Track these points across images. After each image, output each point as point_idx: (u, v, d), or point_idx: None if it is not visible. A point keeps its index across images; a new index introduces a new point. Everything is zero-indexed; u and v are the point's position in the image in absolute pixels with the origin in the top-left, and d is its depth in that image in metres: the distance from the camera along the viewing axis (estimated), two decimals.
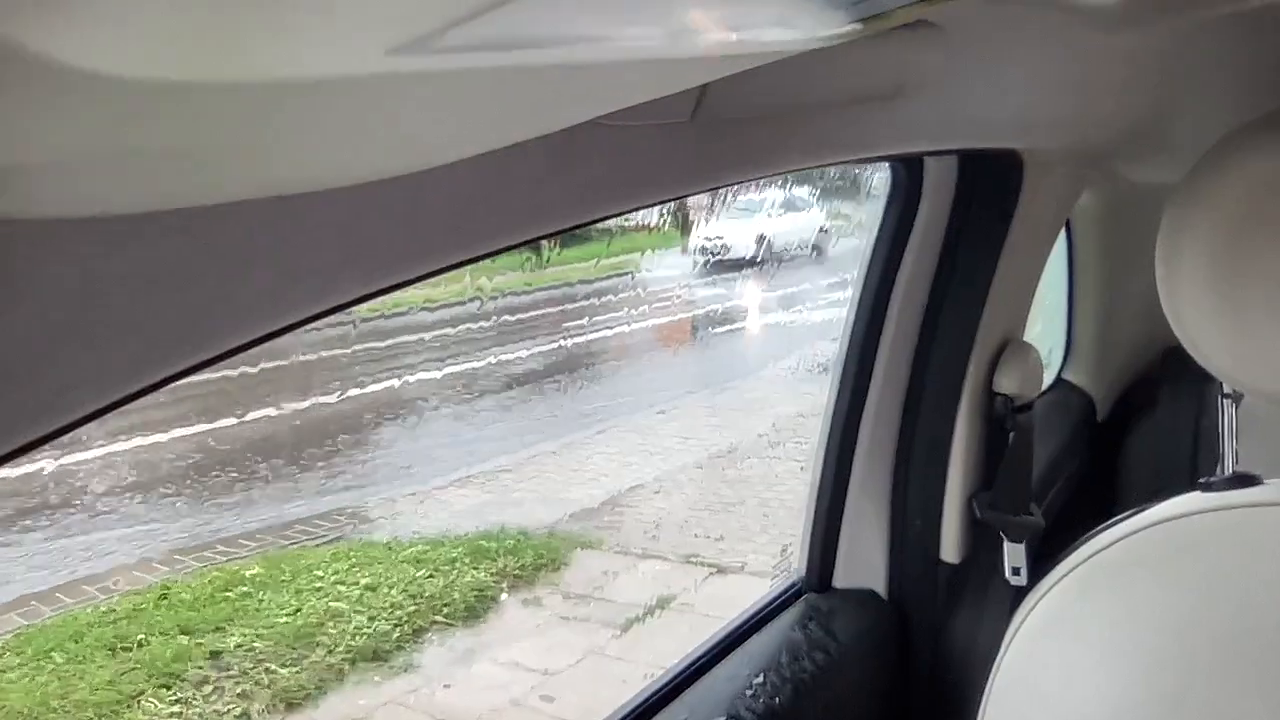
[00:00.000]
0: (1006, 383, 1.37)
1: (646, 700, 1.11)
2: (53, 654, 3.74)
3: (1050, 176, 1.24)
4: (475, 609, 4.19)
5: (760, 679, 1.11)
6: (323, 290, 0.59)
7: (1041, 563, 1.16)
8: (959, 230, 1.25)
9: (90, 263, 0.47)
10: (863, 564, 1.38)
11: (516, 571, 4.55)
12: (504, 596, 4.33)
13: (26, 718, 3.35)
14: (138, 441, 7.37)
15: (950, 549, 1.35)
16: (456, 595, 4.26)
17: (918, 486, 1.35)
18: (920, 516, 1.35)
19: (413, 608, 4.15)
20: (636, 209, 0.76)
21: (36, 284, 0.46)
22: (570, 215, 0.67)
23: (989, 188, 1.24)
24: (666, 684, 1.15)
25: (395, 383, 8.55)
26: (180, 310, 0.53)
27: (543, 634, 4.08)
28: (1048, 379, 1.75)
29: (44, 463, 6.57)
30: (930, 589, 1.38)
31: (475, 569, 4.53)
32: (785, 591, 1.36)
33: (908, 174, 1.23)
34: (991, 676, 0.89)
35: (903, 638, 1.36)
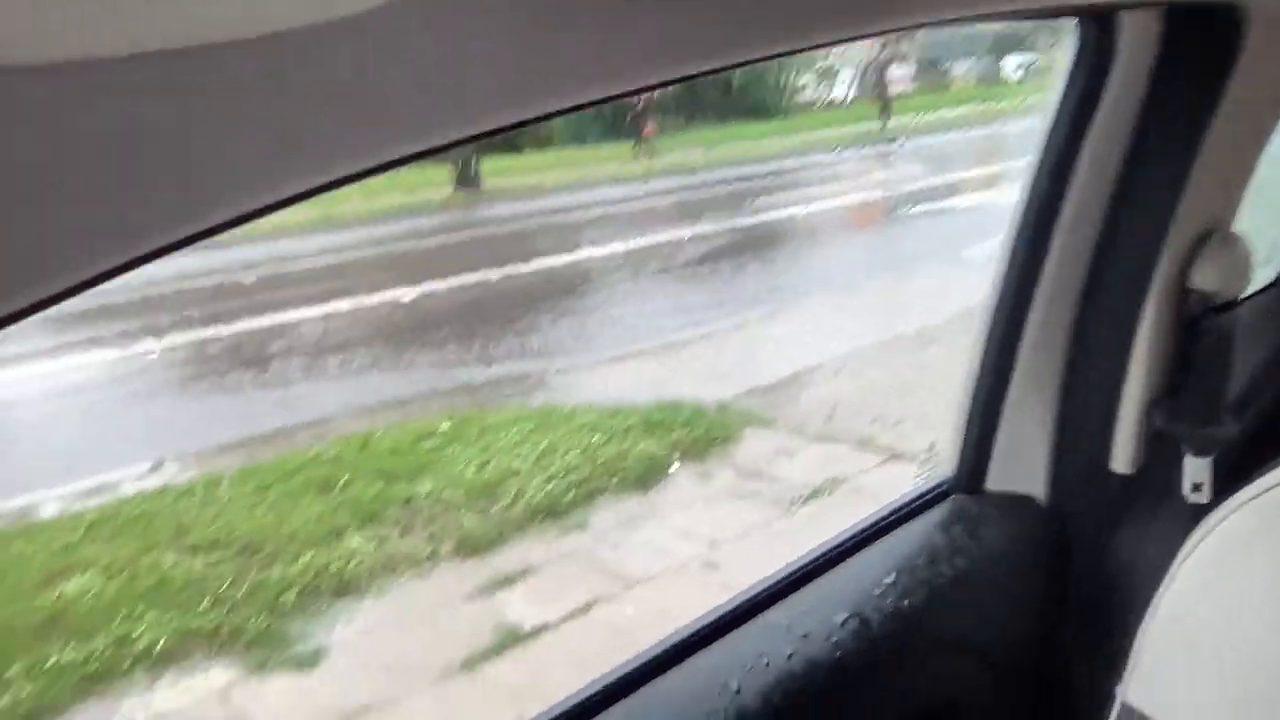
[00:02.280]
0: (1205, 278, 1.20)
1: (771, 586, 1.09)
2: (271, 489, 4.18)
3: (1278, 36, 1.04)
4: (646, 477, 4.32)
5: (892, 579, 1.07)
6: (325, 160, 0.54)
7: (1228, 483, 1.05)
8: (1158, 101, 1.08)
9: (64, 118, 0.42)
10: (1020, 467, 1.28)
11: (689, 444, 4.63)
12: (675, 467, 4.44)
13: (251, 544, 3.78)
14: (355, 302, 7.95)
15: (1122, 458, 1.23)
16: (629, 463, 4.40)
17: (1090, 387, 1.22)
18: (1090, 420, 1.23)
19: (587, 471, 4.33)
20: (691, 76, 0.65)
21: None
22: (614, 84, 0.60)
23: (1198, 51, 1.06)
24: (794, 572, 1.12)
25: (582, 255, 8.73)
26: (166, 177, 0.48)
27: (711, 506, 4.16)
28: (1262, 279, 1.53)
29: (267, 318, 7.21)
30: (1096, 500, 1.26)
31: (649, 439, 4.65)
32: (930, 490, 1.29)
33: (1099, 33, 1.06)
34: (1155, 602, 0.82)
35: (1059, 551, 1.26)
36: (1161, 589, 0.82)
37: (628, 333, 6.61)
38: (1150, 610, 0.82)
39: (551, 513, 4.05)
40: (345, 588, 3.51)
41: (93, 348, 7.38)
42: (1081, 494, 1.27)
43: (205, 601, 3.41)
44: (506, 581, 3.59)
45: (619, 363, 5.88)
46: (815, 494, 4.36)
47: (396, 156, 0.55)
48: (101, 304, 8.90)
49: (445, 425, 4.85)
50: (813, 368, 5.52)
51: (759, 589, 1.09)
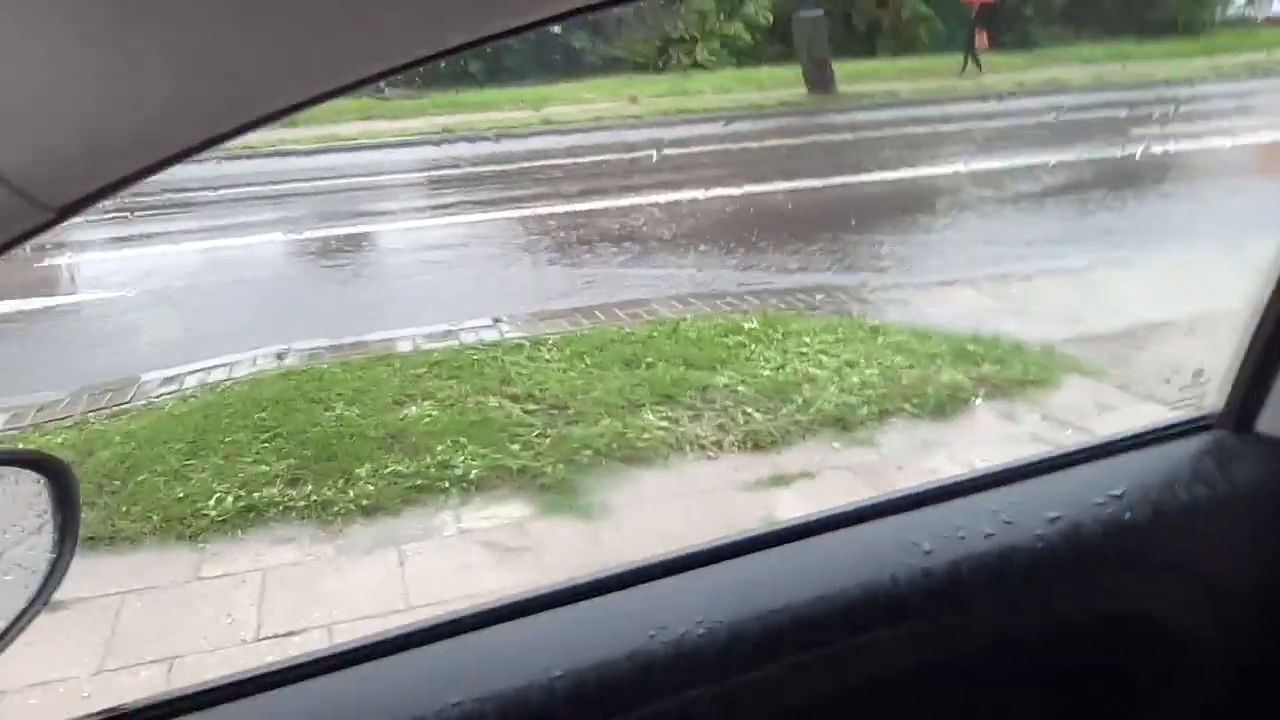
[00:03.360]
0: None
1: (991, 472, 1.05)
2: (585, 357, 4.54)
3: None
4: (945, 407, 4.16)
5: (1119, 493, 0.99)
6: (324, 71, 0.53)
7: None
8: None
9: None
10: None
11: (999, 382, 4.38)
12: (977, 402, 4.23)
13: (560, 401, 4.15)
14: (687, 194, 8.22)
15: None
16: (930, 390, 4.26)
17: None
18: None
19: (884, 390, 4.25)
20: None
21: None
22: None
23: None
24: (1017, 466, 1.07)
25: (923, 172, 8.33)
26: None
27: (1009, 446, 3.94)
28: None
29: (597, 203, 7.64)
30: None
31: (955, 369, 4.46)
32: (1190, 421, 1.16)
33: None
34: None
35: None
36: None
37: (958, 259, 6.30)
38: None
39: (841, 424, 4.04)
40: (634, 456, 3.77)
41: (468, 211, 8.29)
42: None
43: (516, 444, 3.81)
44: (783, 480, 3.67)
45: (942, 288, 5.64)
46: None
47: (384, 69, 0.57)
48: (474, 173, 9.91)
49: (752, 324, 4.95)
50: (1160, 323, 4.96)
51: (980, 473, 1.06)
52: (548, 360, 4.53)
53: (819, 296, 5.52)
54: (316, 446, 3.71)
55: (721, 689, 0.80)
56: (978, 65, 12.54)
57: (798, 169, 8.96)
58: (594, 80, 14.62)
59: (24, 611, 0.77)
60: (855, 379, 4.37)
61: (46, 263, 7.12)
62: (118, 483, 3.50)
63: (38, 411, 4.12)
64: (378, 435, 3.81)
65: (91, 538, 3.24)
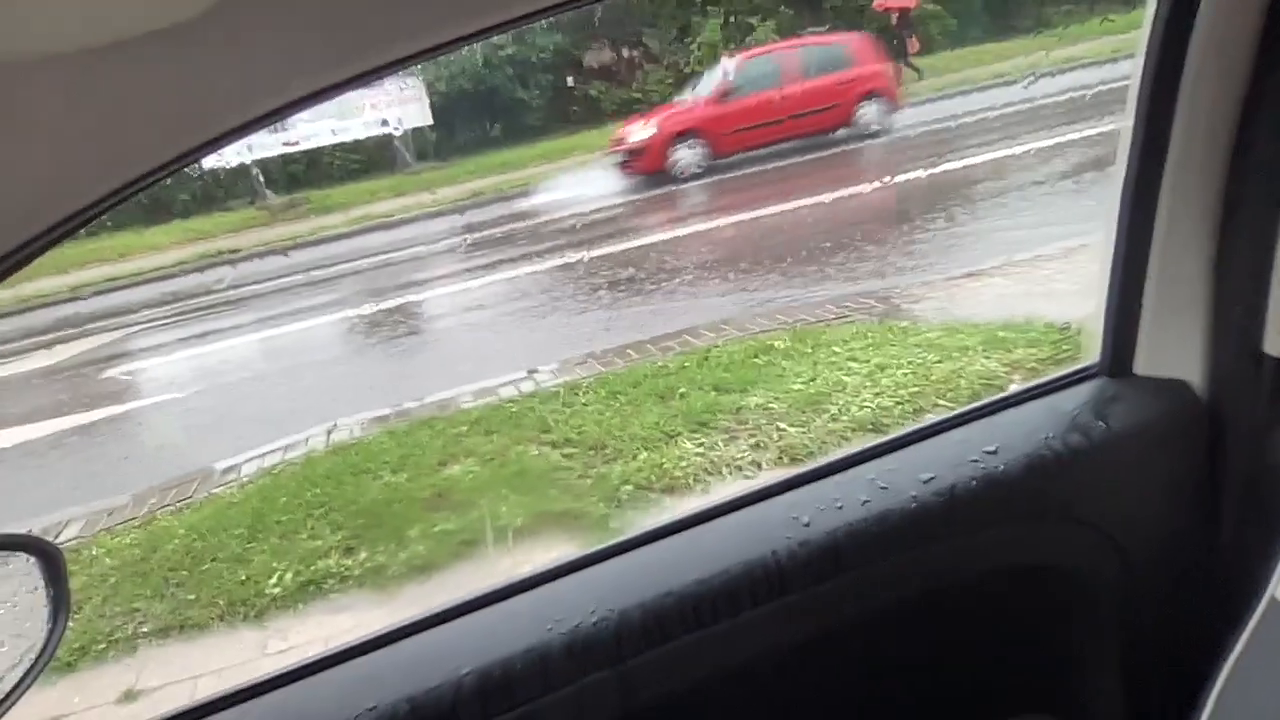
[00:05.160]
0: None
1: (871, 447, 1.08)
2: (618, 395, 4.62)
3: None
4: (978, 396, 4.13)
5: (993, 449, 1.01)
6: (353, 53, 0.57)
7: None
8: None
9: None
10: (1171, 352, 1.11)
11: (1033, 365, 4.35)
12: (1013, 386, 4.20)
13: (598, 442, 4.23)
14: (716, 222, 8.30)
15: (1277, 342, 1.02)
16: (962, 382, 4.25)
17: (1241, 265, 1.02)
18: (1244, 301, 1.04)
19: (916, 388, 4.25)
20: None
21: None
22: None
23: None
24: (897, 437, 1.10)
25: (951, 165, 8.29)
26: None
27: None
28: None
29: (629, 242, 7.74)
30: (1251, 387, 1.07)
31: (987, 358, 4.44)
32: (1072, 373, 1.18)
33: None
34: None
35: (1213, 440, 1.09)
36: None
37: (985, 247, 6.26)
38: None
39: (875, 427, 4.05)
40: (673, 485, 3.82)
41: (494, 271, 8.48)
42: (1237, 381, 1.09)
43: (556, 489, 3.90)
44: None
45: (971, 279, 5.61)
46: None
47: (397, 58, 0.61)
48: (506, 232, 10.12)
49: (780, 341, 5.00)
50: None
51: (858, 449, 1.10)
52: (584, 403, 4.63)
53: (850, 306, 5.53)
54: (367, 515, 3.84)
55: (614, 674, 0.86)
56: (916, 70, 12.63)
57: (811, 185, 9.00)
58: (616, 125, 14.87)
59: (21, 680, 0.87)
60: (887, 381, 4.37)
61: (109, 374, 7.47)
62: (184, 573, 3.66)
63: (107, 516, 4.32)
64: (424, 497, 3.93)
65: (164, 628, 3.40)
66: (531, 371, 5.25)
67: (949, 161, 8.47)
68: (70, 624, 2.89)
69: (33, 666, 0.87)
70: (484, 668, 0.83)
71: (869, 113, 11.23)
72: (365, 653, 0.88)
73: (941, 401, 4.14)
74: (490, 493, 3.88)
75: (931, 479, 1.01)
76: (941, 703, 1.02)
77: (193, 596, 3.53)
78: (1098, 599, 1.06)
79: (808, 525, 0.96)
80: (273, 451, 4.76)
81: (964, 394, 4.15)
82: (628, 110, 15.05)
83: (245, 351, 7.68)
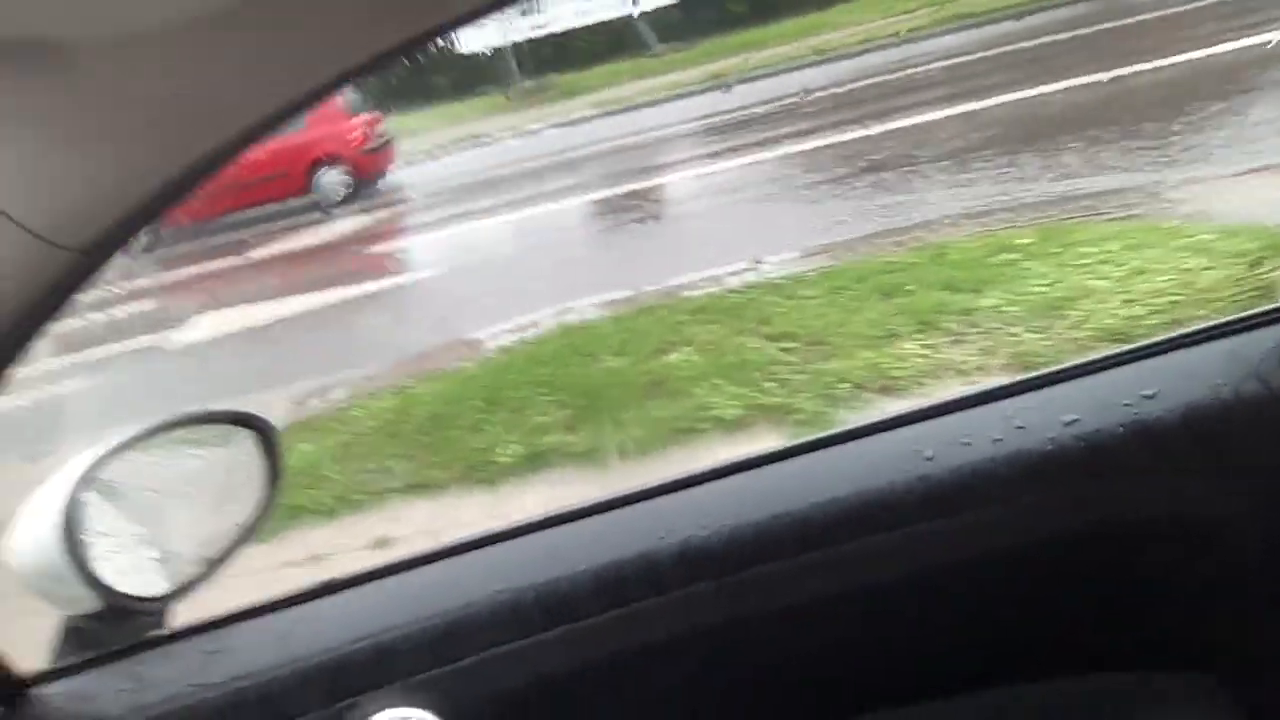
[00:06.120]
0: None
1: (1008, 383, 0.98)
2: (842, 290, 4.51)
3: None
4: (1249, 307, 3.69)
5: (1152, 393, 0.88)
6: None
7: None
8: None
9: None
10: None
11: None
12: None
13: (817, 338, 4.17)
14: (962, 107, 7.78)
15: None
16: (1234, 291, 3.79)
17: None
18: None
19: (1176, 297, 3.84)
20: None
21: None
22: None
23: None
24: (1043, 373, 0.99)
25: (1222, 49, 7.21)
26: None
27: None
28: None
29: (862, 130, 7.43)
30: None
31: (1268, 266, 3.93)
32: (1262, 314, 0.99)
33: None
34: None
35: None
36: None
37: (1267, 144, 5.46)
38: None
39: (1123, 337, 3.72)
40: (890, 386, 3.73)
41: (737, 154, 8.41)
42: None
43: (772, 382, 3.91)
44: None
45: (1255, 175, 4.93)
46: None
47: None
48: (745, 116, 9.97)
49: (1025, 239, 4.65)
50: None
51: (994, 385, 1.02)
52: (806, 297, 4.56)
53: (1111, 201, 5.04)
54: (588, 396, 4.04)
55: (720, 585, 0.87)
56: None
57: (1078, 64, 8.13)
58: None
59: (236, 540, 1.01)
60: (1143, 287, 3.98)
61: (365, 250, 8.18)
62: (427, 437, 4.04)
63: (367, 380, 4.82)
64: (642, 383, 4.07)
65: (410, 485, 3.78)
66: (757, 261, 5.22)
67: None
68: (333, 474, 3.27)
69: (246, 531, 1.01)
70: (598, 568, 0.88)
71: (330, 180, 10.38)
72: (496, 542, 0.95)
73: (1205, 312, 3.73)
74: (705, 382, 3.95)
75: (1074, 421, 0.92)
76: (1081, 660, 0.96)
77: (434, 459, 3.89)
78: (1260, 555, 0.94)
79: (930, 459, 0.91)
80: (510, 330, 5.07)
81: (1233, 305, 3.71)
82: None
83: (491, 233, 8.14)
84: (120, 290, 7.53)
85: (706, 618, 0.88)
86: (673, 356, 4.22)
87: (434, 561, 0.95)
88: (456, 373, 4.68)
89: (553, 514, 0.96)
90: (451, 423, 4.13)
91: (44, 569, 0.85)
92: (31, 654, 0.88)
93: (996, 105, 7.76)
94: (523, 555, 0.93)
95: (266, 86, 0.59)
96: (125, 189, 0.61)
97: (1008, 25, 11.00)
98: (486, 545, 0.94)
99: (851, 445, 0.98)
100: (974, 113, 7.68)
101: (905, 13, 12.85)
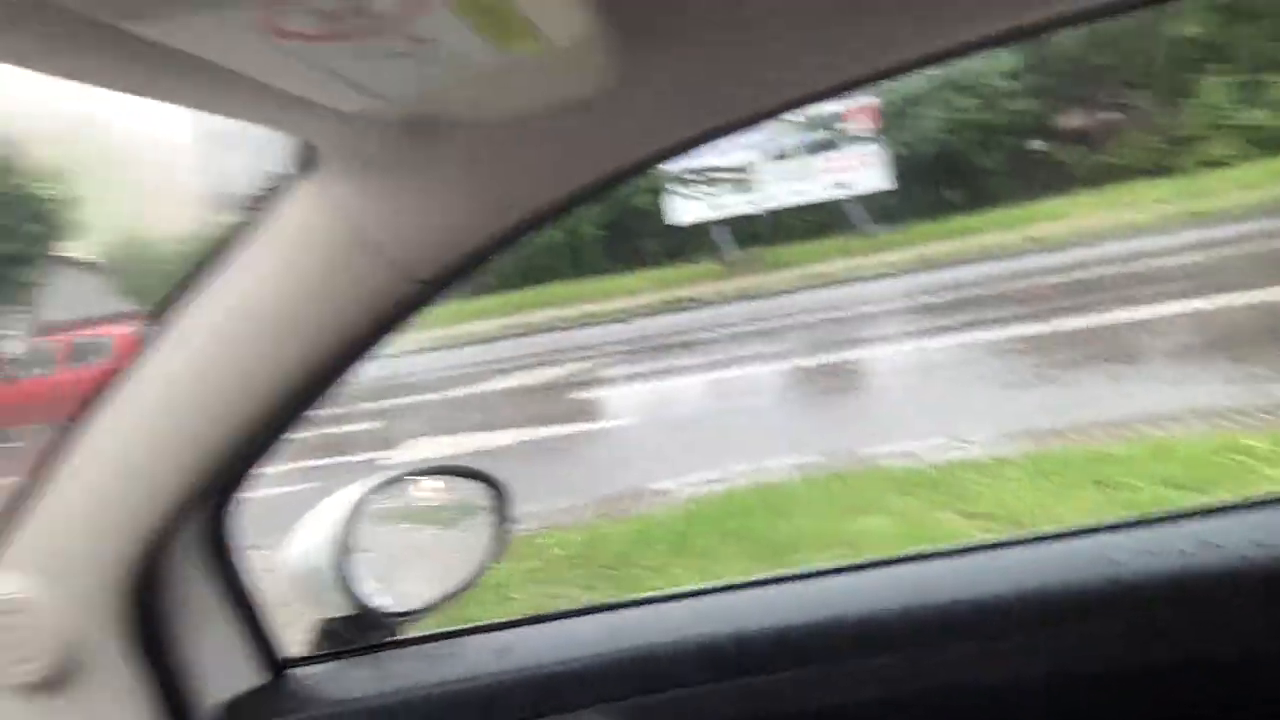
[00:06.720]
0: None
1: (1222, 505, 0.94)
2: (1050, 475, 4.32)
3: None
4: None
5: None
6: None
7: None
8: None
9: None
10: None
11: None
12: None
13: (1018, 520, 3.99)
14: (1191, 305, 7.47)
15: None
16: None
17: None
18: None
19: None
20: None
21: None
22: None
23: None
24: (1255, 499, 0.94)
25: None
26: None
27: None
28: None
29: (1078, 320, 7.19)
30: None
31: None
32: None
33: None
34: None
35: None
36: None
37: None
38: None
39: None
40: None
41: (940, 335, 8.36)
42: None
43: None
44: None
45: None
46: None
47: None
48: (952, 299, 9.95)
49: (1258, 442, 4.33)
50: None
51: (1190, 506, 0.99)
52: (1009, 479, 4.40)
53: None
54: (776, 551, 4.02)
55: (902, 658, 0.88)
56: None
57: None
58: (1085, 193, 13.88)
59: (466, 580, 1.11)
60: None
61: (575, 396, 8.58)
62: (612, 572, 4.12)
63: (560, 513, 4.99)
64: (832, 543, 4.01)
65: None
66: (960, 439, 5.11)
67: None
68: (517, 596, 3.41)
69: (473, 575, 1.11)
70: (778, 630, 0.91)
71: None
72: (697, 596, 1.01)
73: None
74: (892, 551, 3.85)
75: (1272, 545, 0.90)
76: None
77: (615, 592, 3.95)
78: None
79: (1118, 564, 0.91)
80: (701, 483, 5.16)
81: None
82: (1101, 177, 13.95)
83: (690, 390, 8.39)
84: (354, 409, 8.24)
85: (876, 692, 0.90)
86: (865, 522, 4.16)
87: (642, 605, 1.02)
88: (647, 516, 4.78)
89: (746, 579, 1.02)
90: (637, 561, 4.20)
91: (312, 576, 0.99)
92: (292, 642, 1.01)
93: (1232, 305, 7.39)
94: (718, 609, 0.99)
95: (585, 165, 0.73)
96: (464, 235, 0.75)
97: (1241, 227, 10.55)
98: (687, 598, 1.01)
99: (1041, 545, 0.99)
100: (1206, 311, 7.34)
101: (1127, 204, 12.61)
